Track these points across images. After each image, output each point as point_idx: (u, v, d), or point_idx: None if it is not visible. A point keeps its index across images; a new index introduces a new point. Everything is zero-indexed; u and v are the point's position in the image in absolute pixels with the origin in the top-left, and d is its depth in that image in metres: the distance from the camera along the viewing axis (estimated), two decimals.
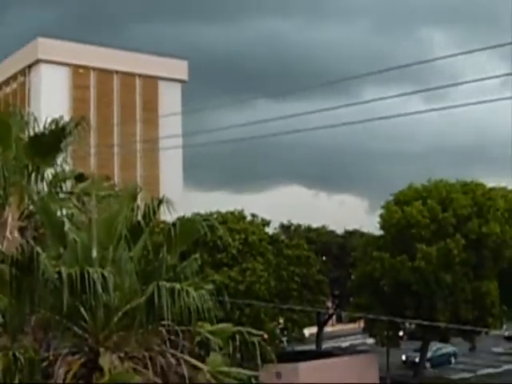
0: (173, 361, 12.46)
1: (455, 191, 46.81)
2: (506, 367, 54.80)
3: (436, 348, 53.47)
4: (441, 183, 48.21)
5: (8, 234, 16.14)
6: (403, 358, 53.45)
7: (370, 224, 53.05)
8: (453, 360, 56.17)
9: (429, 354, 52.31)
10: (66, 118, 18.91)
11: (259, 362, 13.45)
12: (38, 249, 12.65)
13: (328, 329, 58.93)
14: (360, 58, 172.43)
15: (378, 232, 49.59)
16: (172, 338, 12.90)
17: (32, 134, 18.11)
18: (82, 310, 12.45)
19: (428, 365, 52.81)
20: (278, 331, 43.53)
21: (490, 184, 49.25)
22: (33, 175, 17.99)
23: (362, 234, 53.35)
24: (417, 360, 52.98)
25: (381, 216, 48.62)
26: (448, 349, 54.99)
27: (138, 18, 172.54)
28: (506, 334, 61.07)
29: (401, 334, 52.04)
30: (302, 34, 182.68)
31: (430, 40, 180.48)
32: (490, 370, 54.48)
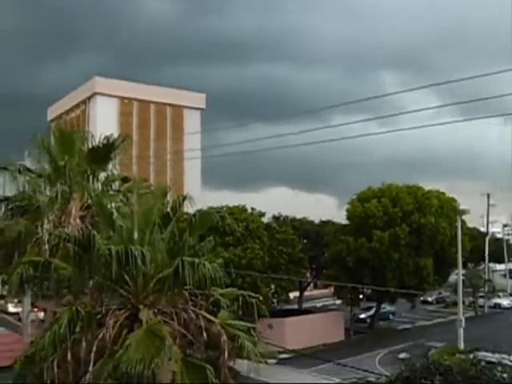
0: (193, 315, 12.53)
1: (402, 192, 46.93)
2: (435, 320, 55.27)
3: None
4: (391, 186, 48.30)
5: (72, 220, 16.19)
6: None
7: (339, 216, 53.30)
8: (391, 316, 55.54)
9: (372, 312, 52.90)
10: (115, 136, 18.95)
11: (256, 316, 13.54)
12: (94, 232, 12.71)
13: (307, 293, 58.85)
14: (331, 93, 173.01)
15: (344, 222, 49.60)
16: (192, 298, 12.97)
17: (90, 147, 18.14)
18: (126, 277, 12.53)
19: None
20: (270, 294, 43.46)
21: (427, 187, 49.46)
22: (90, 177, 18.04)
23: (333, 224, 53.34)
24: (362, 316, 53.73)
25: (347, 210, 48.69)
26: (388, 308, 54.66)
27: (169, 61, 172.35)
28: (429, 299, 60.37)
29: (361, 296, 52.08)
30: (290, 75, 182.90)
31: (383, 80, 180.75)
32: (425, 322, 54.86)
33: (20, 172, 17.55)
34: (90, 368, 11.15)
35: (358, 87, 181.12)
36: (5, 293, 33.34)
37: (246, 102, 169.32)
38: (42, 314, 37.49)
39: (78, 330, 11.81)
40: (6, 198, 17.66)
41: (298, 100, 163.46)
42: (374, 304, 52.77)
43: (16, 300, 45.22)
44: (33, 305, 29.07)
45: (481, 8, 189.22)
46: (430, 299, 54.85)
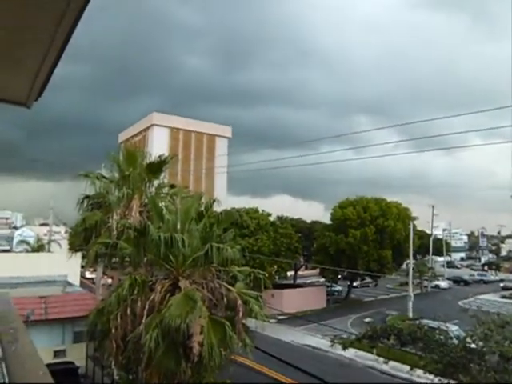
0: (217, 285, 12.48)
1: (370, 202, 46.72)
2: (392, 295, 54.73)
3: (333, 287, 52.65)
4: (363, 198, 48.07)
5: (133, 214, 16.22)
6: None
7: (325, 217, 53.06)
8: (336, 293, 52.74)
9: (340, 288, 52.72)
10: (166, 155, 19.00)
11: (262, 288, 13.46)
12: (149, 223, 12.75)
13: (300, 272, 58.53)
14: (321, 129, 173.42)
15: (328, 222, 49.40)
16: (217, 273, 12.93)
17: (148, 162, 18.20)
18: (170, 256, 12.51)
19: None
20: (273, 272, 43.34)
21: (389, 199, 49.15)
22: (147, 184, 18.08)
23: (320, 223, 53.13)
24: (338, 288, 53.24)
25: (331, 214, 48.50)
26: (336, 288, 53.39)
27: (206, 103, 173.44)
28: (355, 284, 56.24)
29: (339, 276, 51.76)
30: (290, 115, 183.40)
31: (358, 121, 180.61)
32: (384, 296, 54.35)
33: (97, 178, 17.63)
34: (143, 320, 11.16)
35: (340, 125, 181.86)
36: (84, 263, 33.49)
37: (259, 134, 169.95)
38: (109, 280, 37.65)
39: (135, 292, 11.82)
40: (87, 196, 17.74)
41: (296, 133, 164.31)
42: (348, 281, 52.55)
43: (92, 269, 45.44)
44: (103, 273, 29.20)
45: (433, 71, 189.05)
46: (355, 284, 53.70)
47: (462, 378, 10.95)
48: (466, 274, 75.86)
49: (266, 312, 13.09)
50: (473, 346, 12.20)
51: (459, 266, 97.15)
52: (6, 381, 1.57)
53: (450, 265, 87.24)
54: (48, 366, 1.74)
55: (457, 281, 67.25)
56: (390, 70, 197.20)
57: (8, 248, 59.77)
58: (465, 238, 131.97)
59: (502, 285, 62.60)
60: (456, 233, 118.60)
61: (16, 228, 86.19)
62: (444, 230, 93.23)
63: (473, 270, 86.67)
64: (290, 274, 52.61)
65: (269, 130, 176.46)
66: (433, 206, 67.27)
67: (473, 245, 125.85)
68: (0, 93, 3.00)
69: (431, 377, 13.02)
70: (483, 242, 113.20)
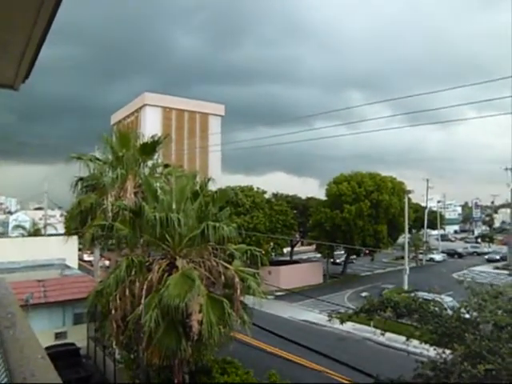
0: (214, 263, 12.56)
1: (365, 177, 46.74)
2: (388, 269, 55.40)
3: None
4: (357, 173, 48.09)
5: (128, 195, 16.14)
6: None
7: (321, 194, 53.24)
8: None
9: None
10: (159, 135, 18.85)
11: (259, 265, 13.56)
12: (144, 203, 12.72)
13: (296, 248, 58.99)
14: (314, 105, 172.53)
15: (324, 198, 49.55)
16: (214, 251, 12.99)
17: (141, 143, 18.05)
18: (167, 236, 12.55)
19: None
20: (269, 249, 43.65)
21: (383, 173, 49.25)
22: (141, 164, 17.96)
23: (316, 199, 53.27)
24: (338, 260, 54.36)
25: (326, 190, 48.59)
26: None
27: (199, 82, 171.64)
28: (338, 260, 56.54)
29: (335, 252, 52.30)
30: (284, 91, 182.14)
31: (351, 96, 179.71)
32: (381, 271, 55.00)
33: (91, 160, 17.50)
34: (142, 301, 11.25)
35: (333, 101, 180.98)
36: (81, 246, 33.58)
37: (253, 111, 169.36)
38: (107, 262, 37.85)
39: (133, 273, 11.90)
40: (81, 179, 17.63)
41: (289, 110, 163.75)
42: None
43: (89, 251, 45.58)
44: (101, 255, 29.30)
45: (425, 44, 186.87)
46: (338, 261, 54.18)
47: (457, 346, 11.18)
48: (459, 246, 76.83)
49: (264, 289, 13.22)
50: (467, 316, 12.42)
51: (453, 238, 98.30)
52: (5, 365, 1.59)
53: (444, 238, 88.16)
54: (49, 348, 1.77)
55: (451, 254, 68.13)
56: (382, 44, 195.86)
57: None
58: (459, 209, 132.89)
59: (486, 257, 63.37)
60: (450, 204, 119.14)
61: (11, 213, 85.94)
62: (438, 201, 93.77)
63: (466, 242, 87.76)
64: (286, 250, 53.06)
65: (262, 107, 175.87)
66: (427, 179, 67.68)
67: (467, 216, 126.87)
68: None
69: (427, 346, 13.29)
70: (477, 213, 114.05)
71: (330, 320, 17.80)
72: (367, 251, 50.00)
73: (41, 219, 53.10)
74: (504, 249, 67.13)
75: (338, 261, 54.12)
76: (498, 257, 61.41)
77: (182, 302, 10.35)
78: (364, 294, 34.98)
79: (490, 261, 60.13)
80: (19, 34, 2.43)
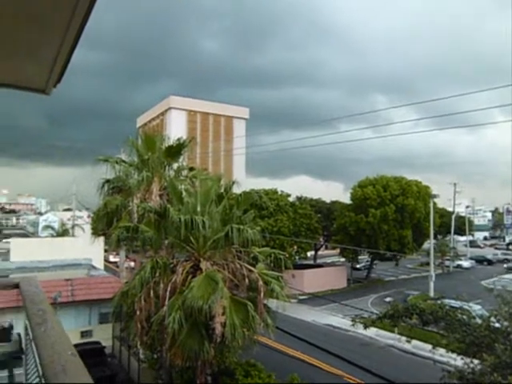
0: (238, 266, 12.58)
1: (390, 181, 46.07)
2: (412, 275, 54.23)
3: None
4: (383, 176, 47.41)
5: (153, 197, 16.35)
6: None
7: (345, 197, 52.82)
8: None
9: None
10: (184, 138, 19.04)
11: (283, 268, 13.51)
12: (169, 206, 12.86)
13: (320, 252, 58.53)
14: (339, 108, 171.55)
15: (348, 202, 49.01)
16: (238, 254, 13.02)
17: (166, 145, 18.26)
18: (191, 238, 12.64)
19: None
20: (293, 252, 43.45)
21: (409, 177, 48.39)
22: (166, 167, 18.18)
23: (340, 203, 52.74)
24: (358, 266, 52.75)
25: (350, 193, 48.02)
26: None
27: (224, 85, 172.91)
28: (358, 266, 53.97)
29: (359, 257, 51.66)
30: (309, 95, 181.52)
31: (375, 100, 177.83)
32: (405, 276, 53.95)
33: (117, 163, 17.80)
34: (166, 302, 11.37)
35: (358, 104, 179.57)
36: (107, 247, 34.21)
37: (277, 115, 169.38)
38: (132, 263, 38.42)
39: (157, 275, 12.03)
40: (108, 181, 17.96)
41: (313, 113, 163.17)
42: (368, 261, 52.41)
43: (115, 253, 46.37)
44: (126, 256, 29.77)
45: (451, 47, 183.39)
46: (358, 266, 52.64)
47: (486, 356, 10.87)
48: (489, 253, 74.66)
49: (287, 292, 13.17)
50: (497, 325, 12.08)
51: (482, 245, 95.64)
52: (37, 360, 1.63)
53: (473, 244, 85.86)
54: (76, 346, 1.80)
55: (480, 260, 66.21)
56: (406, 46, 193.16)
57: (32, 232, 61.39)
58: (489, 215, 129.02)
59: (505, 266, 59.29)
60: (479, 210, 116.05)
61: (41, 214, 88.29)
62: (467, 207, 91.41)
63: (497, 249, 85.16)
64: (310, 254, 52.71)
65: (287, 110, 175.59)
66: (455, 184, 66.10)
67: (497, 223, 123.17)
68: (19, 80, 3.04)
69: (454, 355, 12.99)
70: (508, 220, 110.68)
71: (353, 325, 17.63)
72: (389, 256, 48.97)
73: (69, 220, 54.36)
74: None
75: (357, 266, 52.91)
76: None
77: (206, 303, 10.41)
78: (388, 299, 34.50)
79: (510, 269, 55.93)
80: (52, 37, 2.49)
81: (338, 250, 54.88)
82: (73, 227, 51.00)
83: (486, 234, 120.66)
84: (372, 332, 24.58)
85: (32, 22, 2.26)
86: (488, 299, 17.44)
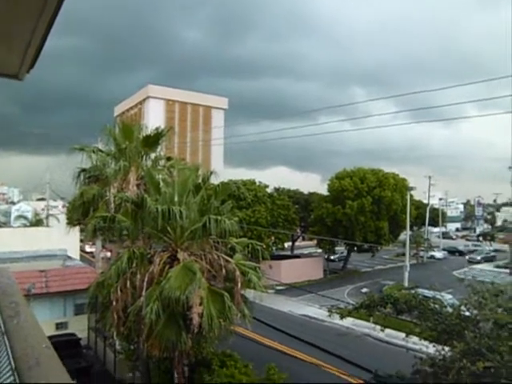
0: (215, 257, 12.58)
1: (367, 173, 46.55)
2: (388, 266, 55.43)
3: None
4: (360, 169, 47.90)
5: (130, 187, 16.13)
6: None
7: (322, 189, 53.06)
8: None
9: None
10: (162, 127, 18.82)
11: (260, 259, 13.58)
12: (146, 196, 12.73)
13: (297, 243, 58.98)
14: (318, 100, 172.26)
15: (326, 193, 49.42)
16: (215, 245, 13.01)
17: (144, 135, 18.02)
18: (168, 228, 12.56)
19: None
20: (270, 243, 43.67)
21: (386, 170, 49.01)
22: (144, 157, 17.95)
23: (317, 194, 53.13)
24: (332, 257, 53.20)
25: (328, 185, 48.44)
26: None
27: (203, 75, 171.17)
28: (332, 257, 53.75)
29: (336, 248, 52.22)
30: (288, 86, 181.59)
31: (354, 92, 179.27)
32: (381, 267, 54.94)
33: (94, 152, 17.47)
34: (143, 292, 11.30)
35: (337, 96, 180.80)
36: (83, 237, 33.68)
37: (256, 105, 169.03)
38: (108, 254, 37.94)
39: (134, 265, 11.93)
40: (84, 170, 17.64)
41: (293, 104, 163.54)
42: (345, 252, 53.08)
43: (91, 243, 45.72)
44: (102, 246, 29.40)
45: (429, 42, 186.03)
46: (332, 257, 52.93)
47: (456, 344, 11.21)
48: (461, 244, 76.73)
49: (264, 283, 13.25)
50: (467, 313, 12.45)
51: (454, 236, 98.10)
52: (9, 354, 1.60)
53: (446, 235, 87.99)
54: (50, 338, 1.78)
55: (452, 251, 68.07)
56: (386, 40, 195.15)
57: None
58: (461, 207, 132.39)
59: (467, 257, 59.69)
60: (452, 202, 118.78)
61: (13, 203, 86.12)
62: (440, 199, 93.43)
63: (468, 240, 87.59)
64: (287, 245, 53.05)
65: (266, 101, 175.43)
66: (429, 176, 67.47)
67: (469, 214, 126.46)
68: None
69: (426, 343, 13.35)
70: (479, 211, 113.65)
71: (329, 315, 17.88)
72: (366, 247, 49.46)
73: (43, 210, 53.24)
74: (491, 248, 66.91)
75: (332, 257, 53.15)
76: (479, 257, 58.15)
77: (183, 294, 10.39)
78: (364, 290, 35.16)
79: (471, 262, 55.87)
80: (25, 23, 2.42)
81: (315, 241, 55.42)
82: (47, 217, 49.98)
83: (458, 225, 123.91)
84: (348, 322, 25.02)
85: (4, 6, 2.19)
86: (459, 289, 17.96)
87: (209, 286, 11.74)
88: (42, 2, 2.12)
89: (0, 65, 3.19)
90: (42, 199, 65.91)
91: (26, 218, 49.72)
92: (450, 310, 13.44)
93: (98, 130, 18.85)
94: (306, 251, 61.09)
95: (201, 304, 10.95)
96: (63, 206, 52.01)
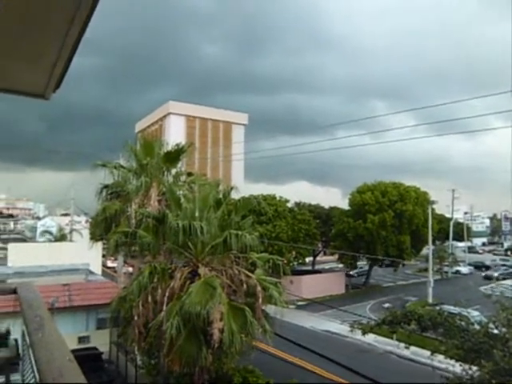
0: (236, 272, 12.56)
1: (389, 187, 46.13)
2: (411, 281, 54.27)
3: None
4: (381, 182, 47.50)
5: (152, 202, 16.34)
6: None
7: (343, 203, 52.72)
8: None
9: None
10: (183, 143, 19.05)
11: (281, 274, 13.48)
12: (167, 211, 12.86)
13: (318, 258, 58.38)
14: (336, 115, 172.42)
15: (347, 207, 49.01)
16: (236, 260, 13.00)
17: (165, 151, 18.27)
18: (189, 243, 12.62)
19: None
20: (291, 258, 43.37)
21: (407, 183, 48.40)
22: (165, 172, 18.18)
23: (338, 209, 52.73)
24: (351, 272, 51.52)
25: (349, 199, 48.08)
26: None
27: (222, 91, 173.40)
28: (351, 273, 51.82)
29: (358, 263, 51.50)
30: (307, 102, 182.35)
31: (373, 106, 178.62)
32: (403, 282, 53.91)
33: (116, 168, 17.80)
34: (164, 307, 11.34)
35: (356, 111, 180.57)
36: (105, 252, 34.12)
37: (276, 121, 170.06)
38: (130, 269, 38.30)
39: (155, 280, 12.01)
40: (106, 186, 17.96)
41: (312, 119, 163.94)
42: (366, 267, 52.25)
43: (113, 258, 46.24)
44: (124, 261, 29.70)
45: (448, 53, 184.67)
46: (351, 273, 51.54)
47: (485, 363, 10.84)
48: (487, 259, 74.70)
49: (285, 298, 13.13)
50: (495, 331, 12.07)
51: (481, 251, 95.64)
52: (34, 366, 1.63)
53: (472, 250, 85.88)
54: (73, 351, 1.79)
55: (478, 266, 66.22)
56: (404, 54, 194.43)
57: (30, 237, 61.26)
58: (487, 221, 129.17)
59: (483, 274, 56.48)
60: (478, 216, 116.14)
61: (39, 218, 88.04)
62: (465, 213, 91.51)
63: (495, 255, 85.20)
64: (308, 260, 52.61)
65: (285, 116, 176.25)
66: (453, 190, 66.24)
67: (495, 229, 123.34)
68: (18, 85, 3.05)
69: (452, 362, 12.95)
70: (506, 226, 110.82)
71: (351, 331, 17.58)
72: (387, 262, 48.42)
73: (67, 225, 54.24)
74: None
75: (351, 273, 51.71)
76: (496, 274, 53.95)
77: (204, 309, 10.38)
78: (386, 306, 34.42)
79: (487, 278, 52.00)
80: (52, 43, 2.50)
81: (336, 256, 54.84)
82: (71, 232, 50.88)
83: (485, 240, 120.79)
84: (370, 338, 24.50)
85: (32, 26, 2.27)
86: (486, 305, 17.41)
87: (229, 302, 11.70)
88: (69, 22, 2.19)
89: (27, 84, 3.30)
90: (66, 214, 67.22)
91: (50, 233, 50.71)
92: (477, 327, 13.05)
93: (120, 147, 19.25)
94: (327, 266, 60.45)
95: (221, 319, 10.91)
96: (86, 222, 52.86)
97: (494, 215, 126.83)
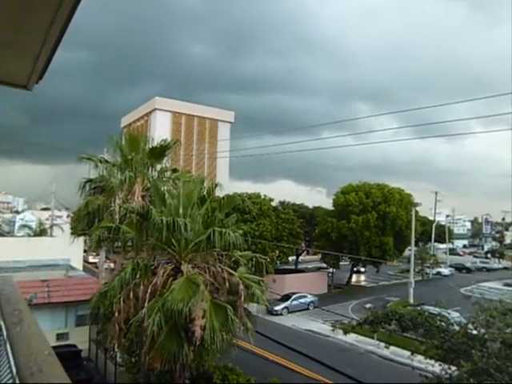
0: (219, 269, 12.55)
1: (373, 188, 46.52)
2: (393, 282, 54.94)
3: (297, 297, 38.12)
4: (365, 183, 47.88)
5: (136, 198, 16.19)
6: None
7: (327, 203, 52.99)
8: (311, 307, 37.54)
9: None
10: (168, 139, 18.94)
11: (264, 272, 13.52)
12: (151, 207, 12.77)
13: (301, 257, 58.69)
14: (321, 116, 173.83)
15: (331, 208, 49.30)
16: (219, 257, 12.99)
17: (150, 146, 18.13)
18: (173, 240, 12.57)
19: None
20: (275, 257, 43.45)
21: (392, 185, 48.93)
22: (150, 168, 18.04)
23: (322, 209, 53.06)
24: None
25: (333, 199, 48.36)
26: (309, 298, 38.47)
27: (208, 90, 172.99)
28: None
29: (340, 263, 51.85)
30: (292, 102, 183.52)
31: (357, 108, 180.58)
32: (385, 283, 54.53)
33: (100, 162, 17.60)
34: (146, 304, 11.27)
35: (340, 112, 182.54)
36: (87, 248, 33.73)
37: (261, 120, 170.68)
38: (112, 264, 37.90)
39: (138, 276, 11.94)
40: (90, 180, 17.75)
41: (297, 119, 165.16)
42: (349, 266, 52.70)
43: (94, 253, 45.73)
44: (106, 257, 29.38)
45: (432, 59, 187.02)
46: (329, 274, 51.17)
47: (463, 363, 11.04)
48: (468, 261, 75.97)
49: (268, 296, 13.17)
50: (474, 332, 12.29)
51: (461, 253, 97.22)
52: (11, 361, 1.61)
53: (453, 252, 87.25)
54: None
55: (459, 268, 67.30)
56: (390, 58, 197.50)
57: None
58: (468, 224, 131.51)
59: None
60: (459, 219, 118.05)
61: (18, 212, 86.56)
62: (447, 216, 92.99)
63: (475, 257, 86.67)
64: (291, 259, 52.83)
65: (270, 115, 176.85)
66: (436, 192, 67.23)
67: (476, 232, 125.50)
68: (1, 76, 3.01)
69: (432, 362, 13.15)
70: (487, 229, 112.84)
71: (333, 330, 17.71)
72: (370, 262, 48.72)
73: (47, 219, 53.41)
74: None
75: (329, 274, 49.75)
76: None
77: (186, 306, 10.35)
78: (368, 306, 34.75)
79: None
80: (35, 34, 2.48)
81: (319, 256, 55.14)
82: (51, 227, 50.11)
83: (466, 242, 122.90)
84: (352, 338, 24.72)
85: (16, 18, 2.24)
86: (466, 306, 17.73)
87: (212, 299, 11.69)
88: (53, 14, 2.17)
89: (10, 74, 3.26)
90: (47, 209, 66.21)
91: (30, 227, 49.85)
92: (456, 328, 13.26)
93: (104, 142, 19.04)
94: (310, 265, 60.75)
95: (203, 317, 10.89)
96: (68, 216, 52.11)
97: (475, 218, 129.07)
